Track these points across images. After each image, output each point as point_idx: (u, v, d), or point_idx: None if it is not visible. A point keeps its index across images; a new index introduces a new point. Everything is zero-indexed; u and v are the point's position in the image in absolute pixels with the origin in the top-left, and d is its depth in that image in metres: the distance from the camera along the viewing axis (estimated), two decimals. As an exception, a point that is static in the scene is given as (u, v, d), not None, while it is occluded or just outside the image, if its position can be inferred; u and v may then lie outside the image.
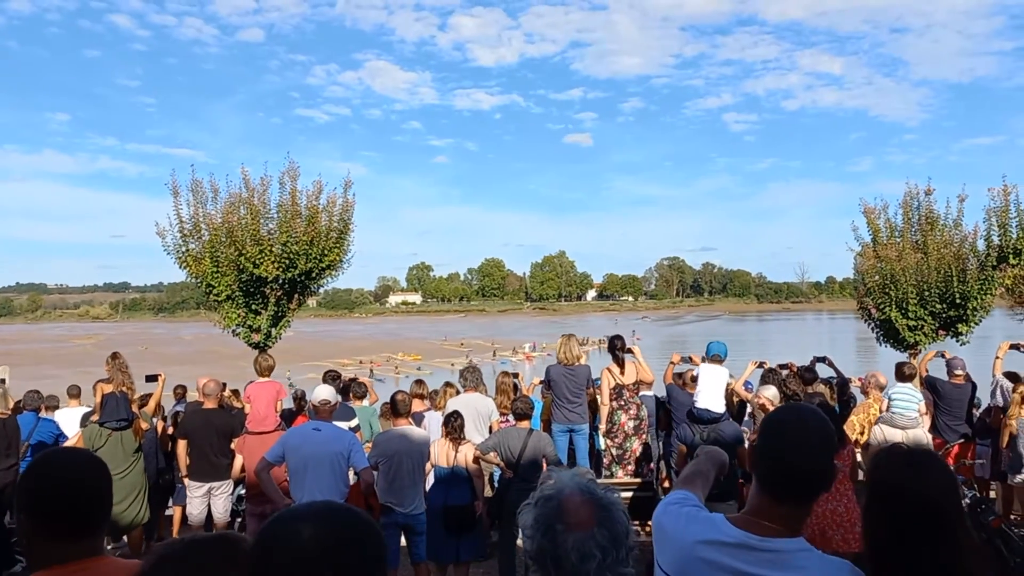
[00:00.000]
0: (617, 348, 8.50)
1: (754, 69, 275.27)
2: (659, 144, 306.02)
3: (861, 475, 6.44)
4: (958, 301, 9.11)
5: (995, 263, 9.32)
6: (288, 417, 8.50)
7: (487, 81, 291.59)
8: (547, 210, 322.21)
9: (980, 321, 9.41)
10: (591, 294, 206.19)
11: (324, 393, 6.28)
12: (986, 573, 1.91)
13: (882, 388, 8.83)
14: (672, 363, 9.23)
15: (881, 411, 8.46)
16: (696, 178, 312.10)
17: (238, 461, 7.61)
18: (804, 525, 1.87)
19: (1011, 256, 9.38)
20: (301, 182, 10.45)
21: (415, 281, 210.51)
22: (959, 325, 9.25)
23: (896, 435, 7.34)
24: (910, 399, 7.59)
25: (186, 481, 7.92)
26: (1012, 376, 9.06)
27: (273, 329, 10.05)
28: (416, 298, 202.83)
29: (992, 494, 8.97)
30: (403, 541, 6.76)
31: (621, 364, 8.44)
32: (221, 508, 7.90)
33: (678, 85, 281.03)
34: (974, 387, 9.06)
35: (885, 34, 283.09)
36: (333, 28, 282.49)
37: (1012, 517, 8.49)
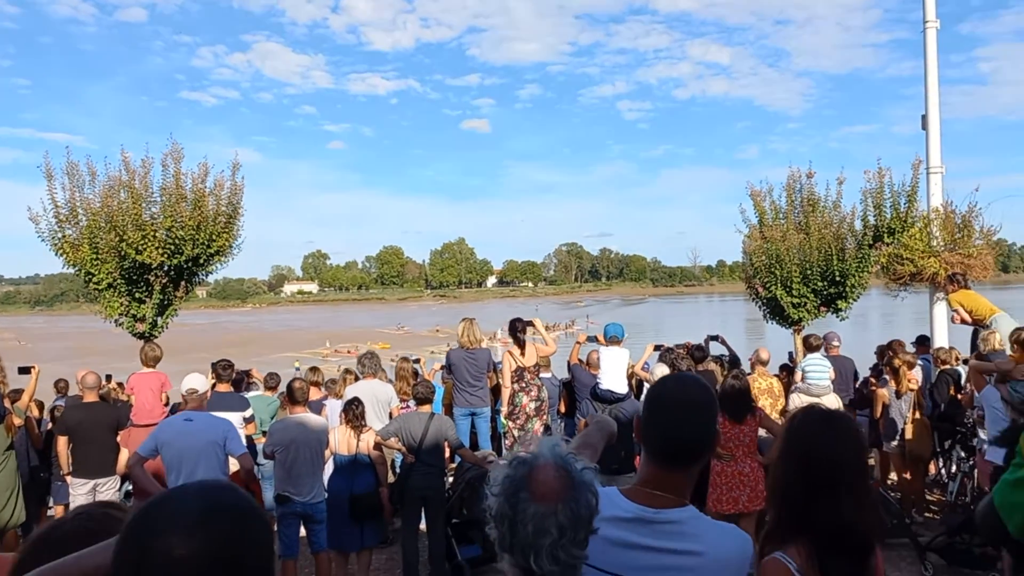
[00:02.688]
0: (518, 331, 8.55)
1: (646, 58, 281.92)
2: (557, 131, 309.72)
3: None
4: (838, 279, 9.59)
5: (871, 242, 9.85)
6: (174, 409, 8.19)
7: (383, 66, 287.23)
8: (446, 197, 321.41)
9: (858, 297, 9.94)
10: (491, 280, 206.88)
11: (193, 382, 6.05)
12: (881, 530, 2.01)
13: (765, 363, 9.24)
14: (578, 343, 9.37)
15: (770, 384, 8.85)
16: (593, 165, 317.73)
17: (123, 455, 7.28)
18: (691, 489, 1.92)
19: (885, 235, 9.93)
20: (186, 165, 10.01)
21: (311, 270, 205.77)
22: (839, 302, 9.74)
23: (811, 403, 7.68)
24: (821, 368, 7.95)
25: (68, 479, 7.54)
26: (889, 348, 9.61)
27: (159, 319, 9.60)
28: (312, 287, 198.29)
29: (871, 460, 9.52)
30: (302, 531, 6.64)
31: (522, 346, 8.49)
32: (107, 506, 7.53)
33: (574, 73, 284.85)
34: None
35: (769, 26, 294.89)
36: (220, 8, 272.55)
37: (888, 481, 9.03)
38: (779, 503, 2.04)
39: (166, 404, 8.64)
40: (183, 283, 9.65)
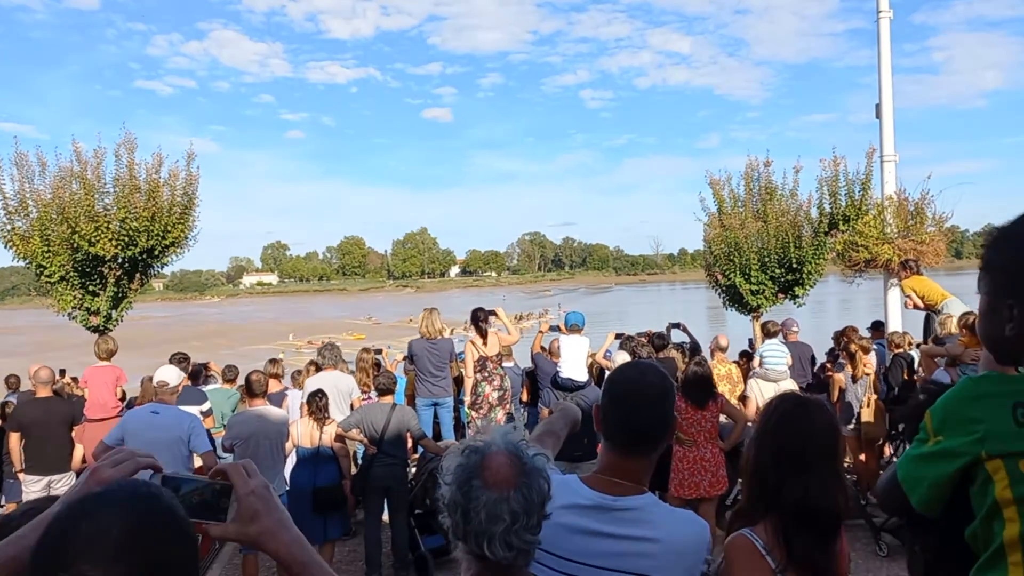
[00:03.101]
0: (480, 320, 8.54)
1: (608, 47, 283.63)
2: (519, 120, 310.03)
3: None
4: (795, 266, 9.73)
5: (827, 229, 10.01)
6: (130, 404, 8.06)
7: (342, 54, 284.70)
8: (408, 186, 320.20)
9: (814, 284, 10.11)
10: (454, 270, 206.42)
11: (165, 374, 6.00)
12: (850, 512, 2.05)
13: (724, 350, 9.37)
14: (541, 332, 9.40)
15: (729, 370, 8.96)
16: (556, 154, 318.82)
17: (78, 451, 7.14)
18: (650, 476, 1.95)
19: (841, 223, 10.09)
20: (140, 155, 9.78)
21: (271, 261, 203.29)
22: (796, 288, 9.89)
23: (769, 388, 7.79)
24: (778, 354, 8.06)
25: (21, 476, 7.36)
26: (844, 332, 9.79)
27: (113, 312, 9.40)
28: (272, 278, 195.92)
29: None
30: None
31: (484, 336, 8.49)
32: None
33: (536, 62, 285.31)
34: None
35: (729, 15, 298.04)
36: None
37: (844, 464, 9.21)
38: (751, 482, 2.08)
39: (122, 399, 8.50)
40: (138, 275, 9.44)
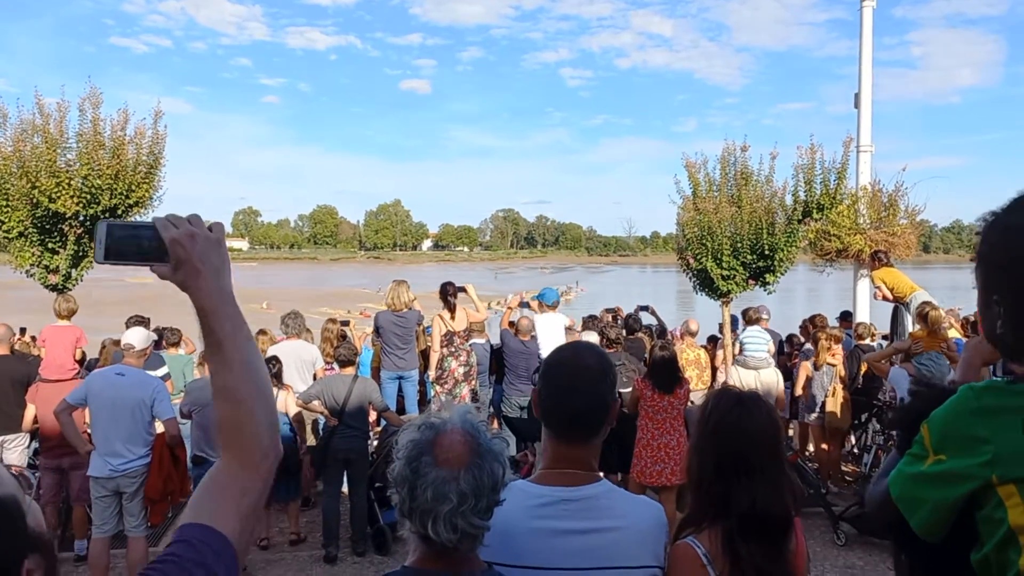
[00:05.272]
0: (449, 294, 8.44)
1: (590, 26, 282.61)
2: (498, 95, 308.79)
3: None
4: (767, 252, 9.71)
5: (800, 217, 10.00)
6: (89, 366, 7.84)
7: (322, 20, 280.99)
8: (383, 157, 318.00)
9: (785, 272, 10.11)
10: (427, 244, 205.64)
11: (131, 337, 5.93)
12: (797, 510, 2.01)
13: (694, 334, 9.37)
14: (510, 308, 9.33)
15: (698, 355, 8.97)
16: (533, 131, 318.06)
17: (30, 411, 6.96)
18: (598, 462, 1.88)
19: (814, 211, 10.10)
20: (106, 110, 9.45)
21: (242, 227, 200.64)
22: (767, 275, 9.88)
23: (748, 375, 7.78)
24: (760, 341, 8.05)
25: (-30, 437, 7.17)
26: (814, 321, 9.84)
27: (73, 270, 9.14)
28: (243, 244, 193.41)
29: (790, 431, 9.78)
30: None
31: (452, 310, 8.40)
32: (16, 463, 7.22)
33: (517, 37, 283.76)
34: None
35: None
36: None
37: (806, 452, 9.29)
38: (696, 491, 2.04)
39: (80, 360, 8.29)
40: (100, 235, 9.19)
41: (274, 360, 6.86)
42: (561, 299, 10.16)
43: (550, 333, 8.65)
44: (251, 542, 1.14)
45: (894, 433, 1.96)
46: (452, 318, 8.35)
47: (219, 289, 1.22)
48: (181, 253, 1.21)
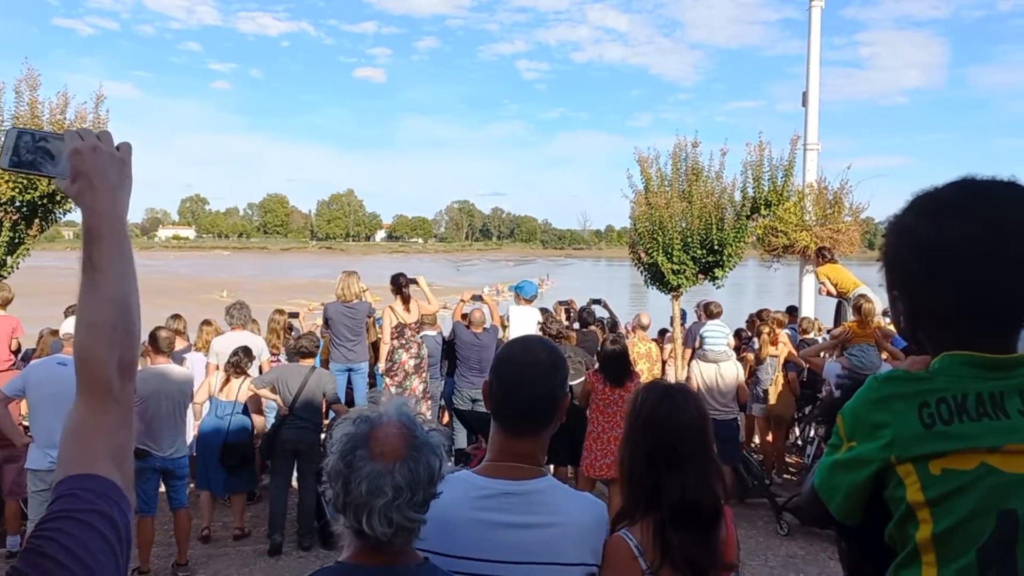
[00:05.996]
0: (401, 285, 8.37)
1: (546, 19, 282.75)
2: (453, 86, 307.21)
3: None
4: (716, 247, 9.82)
5: (749, 213, 10.14)
6: (25, 357, 7.60)
7: (274, 5, 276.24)
8: (336, 146, 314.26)
9: (734, 267, 10.24)
10: (380, 235, 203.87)
11: (71, 326, 5.74)
12: (727, 499, 2.05)
13: (645, 328, 9.46)
14: (463, 300, 9.27)
15: (649, 348, 9.05)
16: (488, 123, 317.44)
17: (-39, 405, 6.70)
18: (544, 457, 1.89)
19: (763, 207, 10.25)
20: (44, 93, 9.12)
21: (188, 215, 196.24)
22: (716, 270, 10.00)
23: (710, 369, 7.84)
24: (719, 334, 8.16)
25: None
26: (758, 315, 9.99)
27: (9, 258, 8.82)
28: (189, 233, 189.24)
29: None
30: (162, 487, 6.36)
31: (406, 301, 8.34)
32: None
33: (473, 28, 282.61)
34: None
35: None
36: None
37: (752, 444, 9.45)
38: (628, 484, 2.07)
39: (16, 351, 8.04)
40: (37, 221, 8.87)
41: (245, 350, 7.02)
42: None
43: (524, 327, 8.64)
44: (131, 483, 1.08)
45: None
46: (406, 309, 8.28)
47: (111, 210, 1.17)
48: (79, 164, 1.17)
